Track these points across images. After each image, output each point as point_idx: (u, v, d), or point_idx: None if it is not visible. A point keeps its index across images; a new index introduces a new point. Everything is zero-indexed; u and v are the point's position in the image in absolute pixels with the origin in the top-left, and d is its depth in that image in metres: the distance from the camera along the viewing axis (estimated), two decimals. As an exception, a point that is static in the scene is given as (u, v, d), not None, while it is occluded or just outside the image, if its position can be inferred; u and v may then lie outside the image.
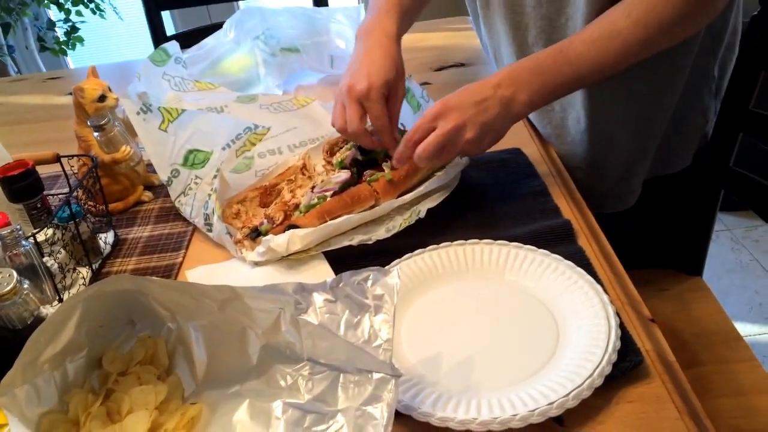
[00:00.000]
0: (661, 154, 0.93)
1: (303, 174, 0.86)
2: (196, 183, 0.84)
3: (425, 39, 1.36)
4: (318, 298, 0.53)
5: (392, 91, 0.80)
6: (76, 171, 0.86)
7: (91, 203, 0.82)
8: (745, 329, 1.71)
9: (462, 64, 1.23)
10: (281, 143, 0.93)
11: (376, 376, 0.50)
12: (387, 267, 0.67)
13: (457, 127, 0.72)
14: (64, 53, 2.73)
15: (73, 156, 0.82)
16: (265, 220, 0.76)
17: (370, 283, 0.53)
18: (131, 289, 0.56)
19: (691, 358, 0.93)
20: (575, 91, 0.78)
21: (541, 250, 0.67)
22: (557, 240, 0.71)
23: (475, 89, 0.75)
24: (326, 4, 1.68)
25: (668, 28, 0.71)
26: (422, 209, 0.74)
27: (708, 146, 0.96)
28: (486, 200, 0.80)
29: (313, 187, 0.79)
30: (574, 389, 0.51)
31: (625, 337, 0.57)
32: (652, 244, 1.03)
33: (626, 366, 0.55)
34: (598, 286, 0.61)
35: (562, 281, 0.64)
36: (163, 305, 0.58)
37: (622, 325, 0.58)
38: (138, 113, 0.86)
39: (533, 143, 0.92)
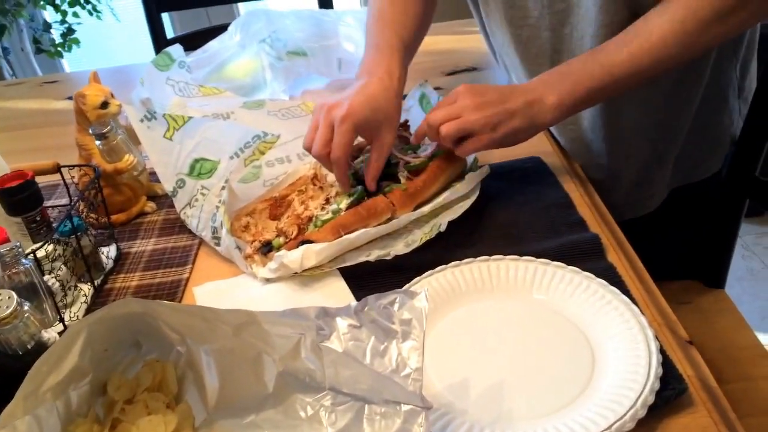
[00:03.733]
0: (689, 160, 0.90)
1: (314, 184, 0.82)
2: (202, 194, 0.80)
3: (436, 42, 1.32)
4: (342, 324, 0.49)
5: (375, 137, 0.74)
6: (76, 181, 0.82)
7: (92, 215, 0.78)
8: (759, 339, 1.68)
9: (474, 68, 1.20)
10: (290, 151, 0.89)
11: (404, 408, 0.47)
12: (411, 286, 0.64)
13: (474, 104, 0.71)
14: (60, 55, 2.68)
15: (74, 166, 0.79)
16: (278, 235, 0.73)
17: (396, 306, 0.49)
18: (139, 312, 0.53)
19: (716, 375, 0.89)
20: (616, 95, 0.74)
21: (571, 267, 0.64)
22: (586, 256, 0.67)
23: (503, 86, 0.74)
24: (331, 7, 1.65)
25: (706, 25, 0.67)
26: (443, 222, 0.71)
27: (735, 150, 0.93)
28: (508, 212, 0.77)
29: (327, 200, 0.75)
30: (617, 421, 0.48)
31: (666, 363, 0.54)
32: (673, 255, 1.00)
33: (669, 394, 0.51)
34: (635, 307, 0.58)
35: (594, 301, 0.60)
36: (173, 328, 0.54)
37: (661, 350, 0.54)
38: (142, 120, 0.82)
39: (553, 152, 0.89)
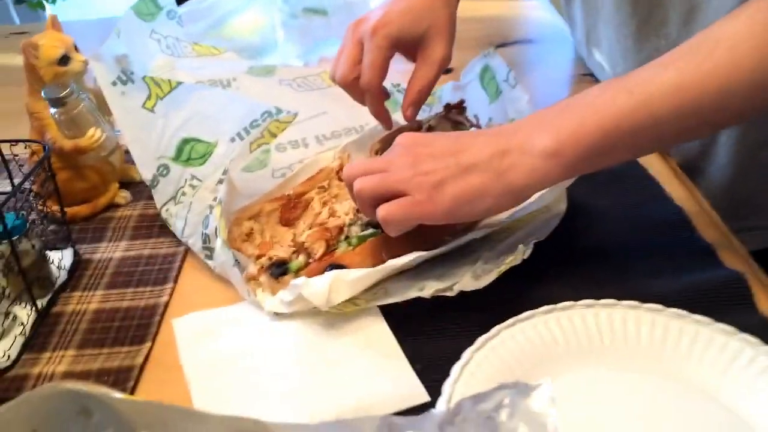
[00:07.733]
0: None
1: (340, 179, 0.63)
2: (192, 186, 0.60)
3: (480, 8, 1.11)
4: (417, 443, 0.30)
5: (422, 52, 0.59)
6: (25, 160, 0.62)
7: (41, 207, 0.58)
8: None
9: (530, 40, 0.99)
10: (307, 133, 0.70)
11: None
12: (487, 341, 0.44)
13: (412, 156, 0.48)
14: (42, 7, 2.46)
15: (17, 141, 0.58)
16: (296, 251, 0.53)
17: (504, 414, 0.30)
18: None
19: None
20: (650, 151, 0.52)
21: (721, 325, 0.44)
22: (726, 303, 0.48)
23: (470, 132, 0.54)
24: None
25: None
26: (528, 245, 0.51)
27: None
28: (604, 231, 0.58)
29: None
30: None
31: None
32: None
33: None
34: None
35: (764, 380, 0.41)
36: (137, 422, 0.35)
37: None
38: (115, 83, 0.63)
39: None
